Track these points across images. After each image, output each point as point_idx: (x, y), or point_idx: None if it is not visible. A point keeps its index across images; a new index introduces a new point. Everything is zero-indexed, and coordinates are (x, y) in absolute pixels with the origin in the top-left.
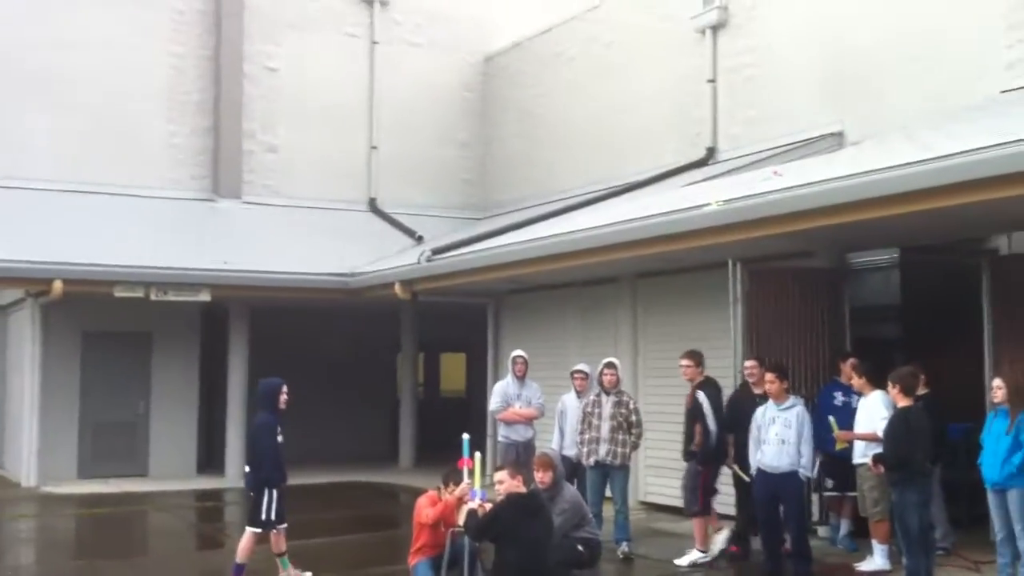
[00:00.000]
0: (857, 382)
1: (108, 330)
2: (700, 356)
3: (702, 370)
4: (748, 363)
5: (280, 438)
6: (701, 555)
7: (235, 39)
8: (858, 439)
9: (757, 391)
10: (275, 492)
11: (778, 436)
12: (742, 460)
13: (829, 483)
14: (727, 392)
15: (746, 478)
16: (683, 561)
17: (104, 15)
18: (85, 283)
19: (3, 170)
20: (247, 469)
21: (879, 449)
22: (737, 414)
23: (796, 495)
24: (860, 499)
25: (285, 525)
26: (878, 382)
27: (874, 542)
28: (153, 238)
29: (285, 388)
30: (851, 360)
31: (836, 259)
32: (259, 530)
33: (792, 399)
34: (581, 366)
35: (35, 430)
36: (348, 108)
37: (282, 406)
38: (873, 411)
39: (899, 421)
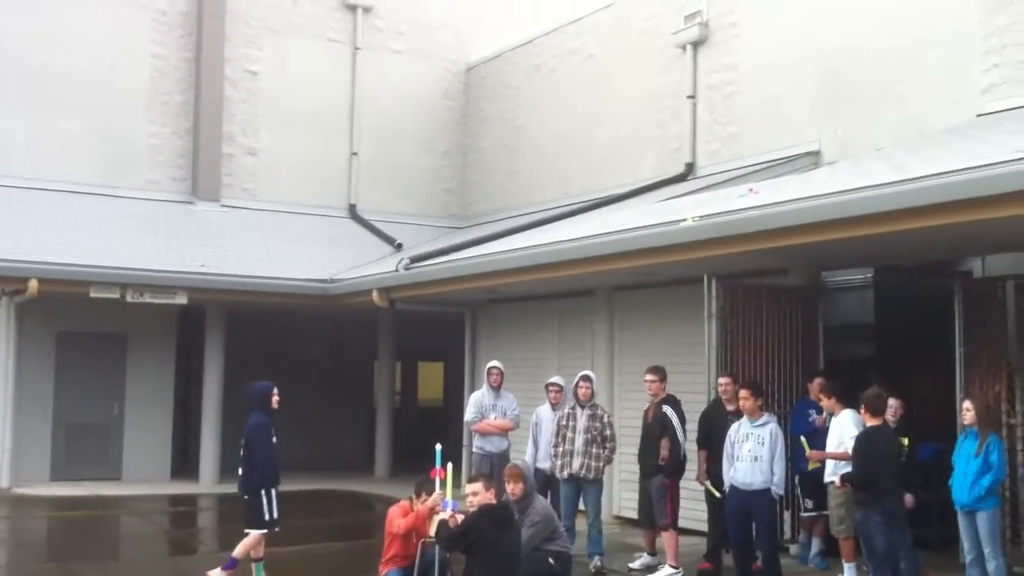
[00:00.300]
0: (826, 403)
1: (83, 331)
2: (664, 372)
3: (664, 386)
4: (722, 380)
5: (274, 439)
6: (673, 571)
7: (217, 42)
8: (829, 458)
9: (730, 407)
10: (273, 492)
11: (751, 453)
12: (714, 476)
13: (809, 503)
14: (699, 408)
15: (718, 494)
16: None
17: (86, 14)
18: (61, 283)
19: None
20: (240, 471)
21: (849, 468)
22: (709, 430)
23: (768, 512)
24: (830, 517)
25: (275, 529)
26: (847, 401)
27: (843, 561)
28: (131, 239)
29: (276, 390)
30: (817, 380)
31: (811, 277)
32: (264, 531)
33: (766, 416)
34: (556, 379)
35: (8, 431)
36: (329, 114)
37: (274, 407)
38: (844, 430)
39: (864, 441)
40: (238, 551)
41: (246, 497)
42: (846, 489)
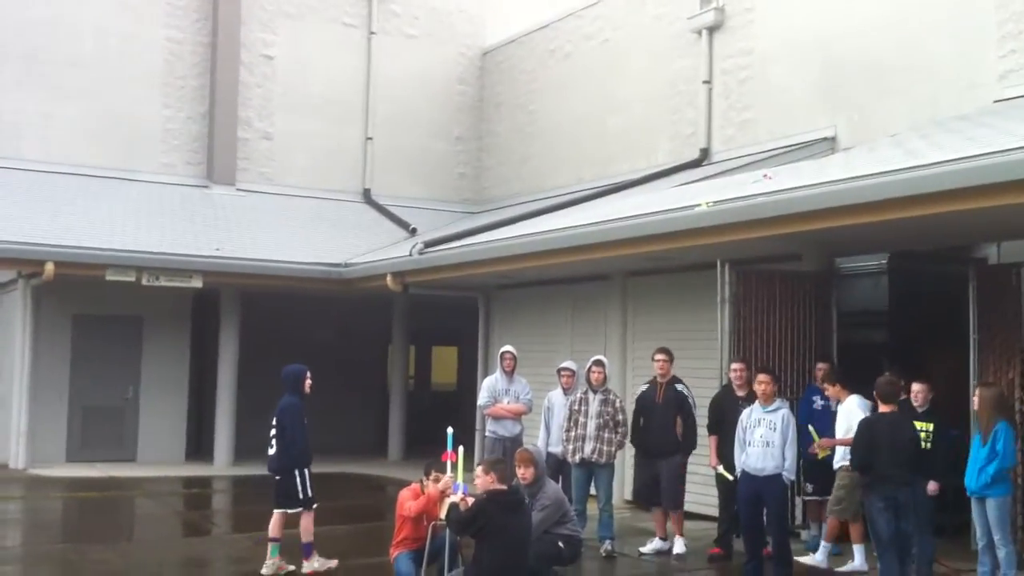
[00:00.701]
0: (831, 390)
1: (99, 314)
2: (672, 353)
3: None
4: (736, 365)
5: (305, 420)
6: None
7: (232, 26)
8: (839, 444)
9: (740, 393)
10: (306, 471)
11: (763, 438)
12: (725, 461)
13: (809, 487)
14: (712, 393)
15: (730, 477)
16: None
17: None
18: (77, 266)
19: None
20: (271, 452)
21: None
22: (720, 415)
23: (779, 498)
24: (830, 498)
25: (299, 509)
26: (855, 387)
27: (857, 548)
28: (146, 223)
29: (309, 374)
30: (820, 366)
31: (825, 263)
32: (301, 509)
33: (778, 402)
34: (568, 364)
35: (24, 413)
36: (344, 98)
37: (307, 391)
38: (852, 416)
39: (864, 427)
40: (303, 537)
41: (278, 478)
42: (853, 474)
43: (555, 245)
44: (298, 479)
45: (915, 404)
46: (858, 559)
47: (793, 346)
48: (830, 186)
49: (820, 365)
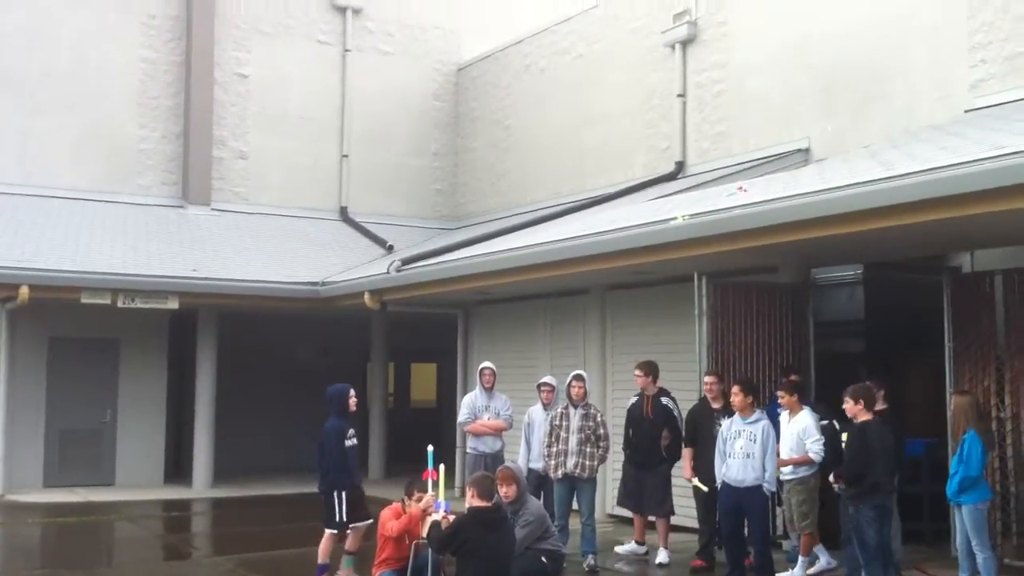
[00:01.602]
0: (787, 400)
1: (75, 336)
2: (653, 367)
3: (654, 380)
4: (708, 378)
5: (352, 441)
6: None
7: (206, 45)
8: (793, 464)
9: (715, 405)
10: (343, 494)
11: (743, 450)
12: (701, 473)
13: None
14: (691, 405)
15: (705, 489)
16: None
17: (75, 17)
18: (52, 289)
19: None
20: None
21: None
22: (695, 428)
23: (761, 509)
24: (788, 513)
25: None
26: (828, 397)
27: (817, 549)
28: (122, 244)
29: (353, 392)
30: (790, 378)
31: (801, 274)
32: (335, 531)
33: (757, 413)
34: (547, 379)
35: (0, 438)
36: (319, 116)
37: (352, 409)
38: (809, 432)
39: (859, 436)
40: (320, 556)
41: (323, 497)
42: (840, 484)
43: (532, 260)
44: (335, 502)
45: (849, 416)
46: (823, 558)
47: (771, 357)
48: (804, 198)
49: (792, 377)
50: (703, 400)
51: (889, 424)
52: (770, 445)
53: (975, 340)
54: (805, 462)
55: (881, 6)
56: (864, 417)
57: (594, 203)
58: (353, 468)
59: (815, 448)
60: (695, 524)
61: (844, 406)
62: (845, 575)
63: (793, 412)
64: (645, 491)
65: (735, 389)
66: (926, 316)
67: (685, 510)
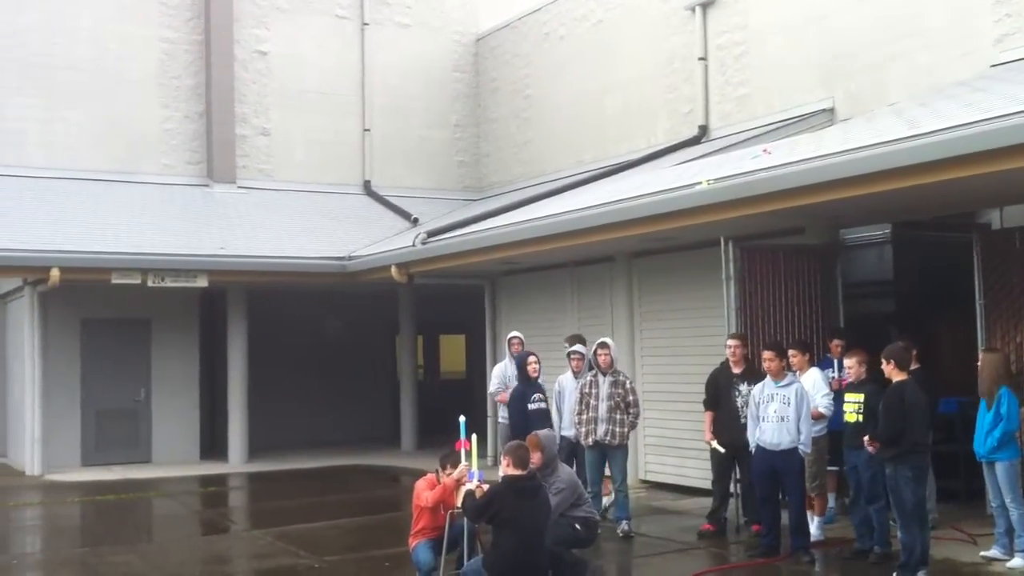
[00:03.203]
0: (797, 359)
1: (107, 317)
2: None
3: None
4: (731, 342)
5: (535, 404)
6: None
7: (225, 23)
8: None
9: (736, 370)
10: None
11: (777, 413)
12: (719, 435)
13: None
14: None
15: (721, 450)
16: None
17: (93, 2)
18: (82, 271)
19: None
20: None
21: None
22: (715, 391)
23: (797, 471)
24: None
25: None
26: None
27: (815, 515)
28: (149, 224)
29: (532, 359)
30: (835, 342)
31: (828, 235)
32: None
33: (790, 376)
34: (577, 347)
35: (37, 418)
36: (340, 91)
37: (532, 375)
38: (814, 389)
39: (895, 396)
40: None
41: None
42: (875, 447)
43: (557, 230)
44: None
45: (849, 376)
46: (815, 531)
47: (800, 320)
48: (829, 159)
49: (836, 342)
50: (724, 364)
51: (923, 383)
52: (804, 408)
53: (1005, 297)
54: (817, 417)
55: None
56: (899, 377)
57: (618, 170)
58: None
59: (824, 402)
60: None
61: (883, 367)
62: (856, 539)
63: (802, 371)
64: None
65: (769, 355)
66: (956, 274)
67: (703, 472)
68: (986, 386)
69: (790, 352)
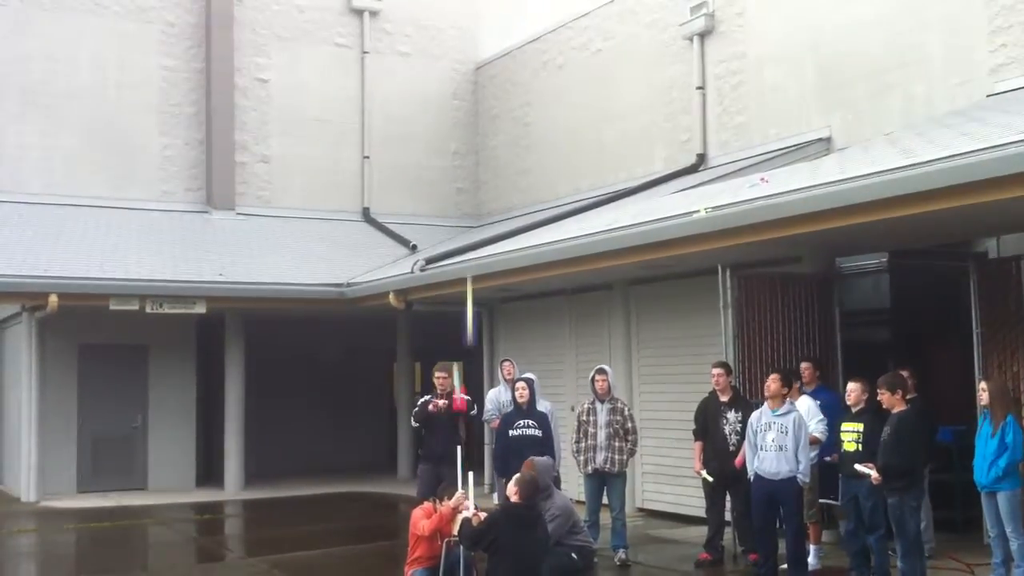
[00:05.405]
0: (793, 389)
1: (104, 342)
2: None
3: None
4: (715, 370)
5: (517, 431)
6: None
7: (226, 51)
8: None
9: (723, 398)
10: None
11: (775, 442)
12: (708, 464)
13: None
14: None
15: (710, 479)
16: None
17: (95, 28)
18: (80, 297)
19: None
20: None
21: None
22: (704, 421)
23: (795, 500)
24: None
25: None
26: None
27: (810, 544)
28: (148, 250)
29: (519, 384)
30: (804, 365)
31: (825, 264)
32: None
33: (788, 404)
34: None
35: (33, 445)
36: (340, 118)
37: (519, 400)
38: (809, 412)
39: (904, 428)
40: None
41: None
42: (879, 479)
43: (555, 257)
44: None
45: (848, 403)
46: (812, 560)
47: (798, 348)
48: (825, 188)
49: (804, 364)
50: (712, 393)
51: (924, 413)
52: (803, 436)
53: (1003, 326)
54: (814, 442)
55: None
56: (900, 407)
57: (616, 198)
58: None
59: (819, 428)
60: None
61: (879, 397)
62: (851, 568)
63: (793, 399)
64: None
65: (773, 377)
66: (953, 303)
67: (700, 501)
68: (994, 414)
69: (775, 376)
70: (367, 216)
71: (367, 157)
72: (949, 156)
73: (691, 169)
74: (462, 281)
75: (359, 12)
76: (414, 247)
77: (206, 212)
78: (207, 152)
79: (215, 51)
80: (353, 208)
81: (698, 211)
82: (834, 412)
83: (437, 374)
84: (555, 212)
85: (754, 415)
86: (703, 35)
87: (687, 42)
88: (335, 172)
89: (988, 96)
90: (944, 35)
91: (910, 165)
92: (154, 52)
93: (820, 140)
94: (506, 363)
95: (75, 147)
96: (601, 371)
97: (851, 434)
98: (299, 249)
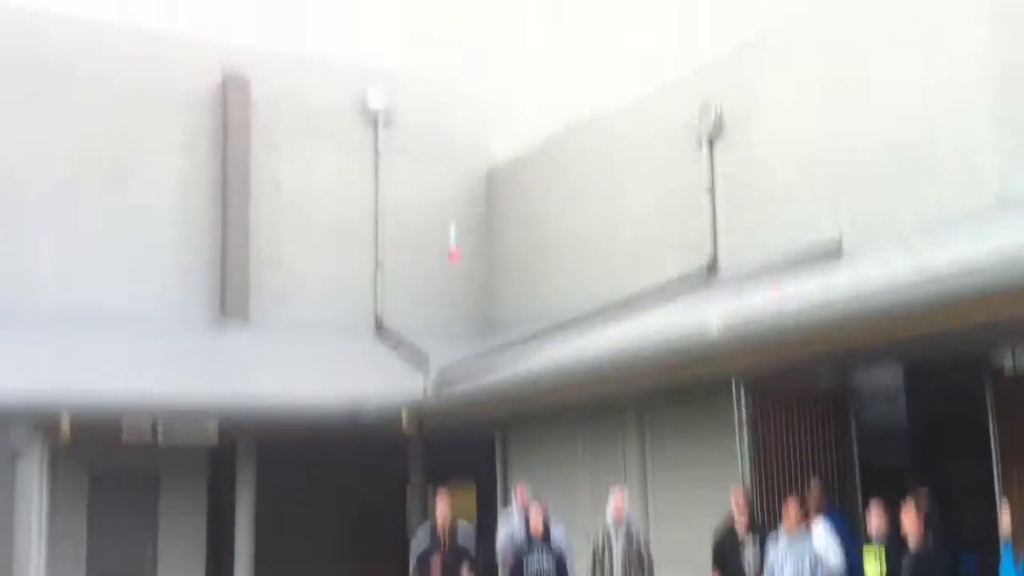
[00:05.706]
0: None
1: (115, 469)
2: None
3: None
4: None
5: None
6: None
7: (241, 158)
8: None
9: (740, 518)
10: None
11: (796, 572)
12: None
13: None
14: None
15: None
16: None
17: (110, 134)
18: (92, 421)
19: (7, 294)
20: None
21: None
22: (723, 554)
23: None
24: None
25: None
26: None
27: None
28: (160, 363)
29: (533, 511)
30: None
31: (841, 378)
32: None
33: (803, 531)
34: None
35: None
36: (353, 223)
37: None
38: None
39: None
40: None
41: None
42: None
43: (568, 381)
44: None
45: (871, 529)
46: None
47: (815, 467)
48: (838, 307)
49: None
50: (728, 519)
51: (943, 541)
52: (820, 571)
53: (1022, 442)
54: None
55: (904, 95)
56: (919, 534)
57: (628, 305)
58: None
59: (836, 562)
60: None
61: (903, 517)
62: None
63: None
64: None
65: (791, 502)
66: (971, 419)
67: None
68: (1020, 542)
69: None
70: (379, 326)
71: (380, 264)
72: (964, 270)
73: (702, 273)
74: (475, 405)
75: (373, 115)
76: (427, 359)
77: (219, 322)
78: (221, 262)
79: (231, 157)
80: (365, 317)
81: (711, 329)
82: (848, 539)
83: (439, 508)
84: (568, 320)
85: (772, 547)
86: (712, 139)
87: (696, 145)
88: (348, 280)
89: (999, 197)
90: (954, 137)
91: (925, 280)
92: (172, 162)
93: (831, 241)
94: (519, 489)
95: (88, 256)
96: (616, 491)
97: (873, 560)
98: (311, 368)
